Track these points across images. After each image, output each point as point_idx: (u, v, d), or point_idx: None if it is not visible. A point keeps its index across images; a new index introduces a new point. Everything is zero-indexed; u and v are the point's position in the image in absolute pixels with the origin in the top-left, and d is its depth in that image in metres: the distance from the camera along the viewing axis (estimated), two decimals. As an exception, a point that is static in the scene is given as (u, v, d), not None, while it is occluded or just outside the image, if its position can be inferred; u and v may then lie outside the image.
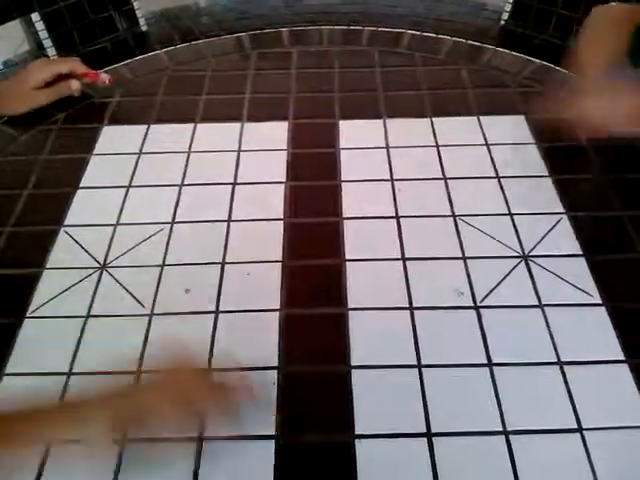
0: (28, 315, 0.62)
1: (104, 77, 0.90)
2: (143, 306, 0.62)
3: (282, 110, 0.87)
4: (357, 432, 0.52)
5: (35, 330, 0.61)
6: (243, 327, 0.60)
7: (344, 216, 0.71)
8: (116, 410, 0.47)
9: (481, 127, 0.83)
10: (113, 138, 0.84)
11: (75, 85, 0.88)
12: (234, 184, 0.76)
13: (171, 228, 0.70)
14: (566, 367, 0.56)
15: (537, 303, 0.61)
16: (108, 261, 0.67)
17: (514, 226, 0.69)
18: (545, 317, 0.60)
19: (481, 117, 0.84)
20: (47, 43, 1.10)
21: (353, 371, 0.56)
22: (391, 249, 0.67)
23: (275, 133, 0.83)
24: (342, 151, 0.80)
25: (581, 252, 0.66)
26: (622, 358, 0.57)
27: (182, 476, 0.50)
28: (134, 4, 1.16)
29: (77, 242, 0.69)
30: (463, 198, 0.73)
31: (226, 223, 0.71)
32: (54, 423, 0.47)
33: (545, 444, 0.51)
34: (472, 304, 0.61)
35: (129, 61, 1.00)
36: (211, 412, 0.51)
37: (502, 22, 1.11)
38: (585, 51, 0.73)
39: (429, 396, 0.54)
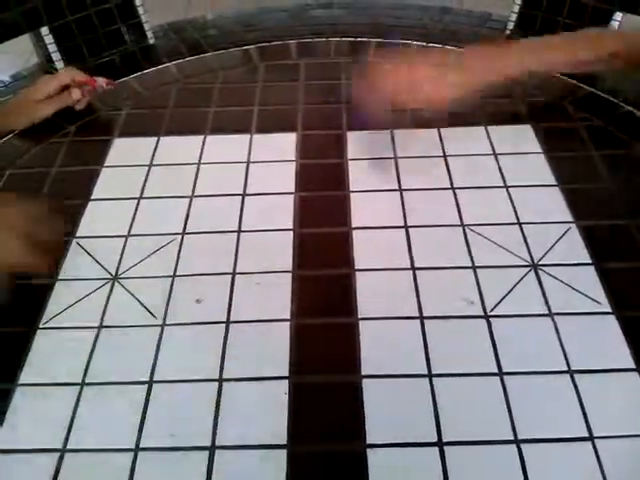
0: (41, 326, 0.62)
1: (101, 81, 0.91)
2: (155, 317, 0.63)
3: (290, 121, 0.88)
4: (369, 441, 0.52)
5: (48, 341, 0.61)
6: (254, 337, 0.61)
7: (353, 226, 0.71)
8: None
9: (488, 136, 0.83)
10: (124, 150, 0.85)
11: (76, 94, 0.89)
12: (243, 195, 0.76)
13: (182, 239, 0.71)
14: (576, 376, 0.56)
15: (547, 312, 0.61)
16: (120, 272, 0.67)
17: (523, 235, 0.69)
18: (555, 326, 0.60)
19: (488, 126, 0.85)
20: (56, 56, 1.11)
21: (364, 380, 0.56)
22: (400, 259, 0.67)
23: (284, 144, 0.84)
24: (350, 162, 0.81)
25: (590, 261, 0.66)
26: (632, 366, 0.57)
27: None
28: (142, 17, 1.17)
29: (89, 253, 0.70)
30: (472, 208, 0.73)
31: (236, 234, 0.71)
32: None
33: (556, 453, 0.51)
34: (482, 313, 0.62)
35: (139, 74, 1.02)
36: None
37: (507, 32, 1.11)
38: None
39: (440, 405, 0.54)
